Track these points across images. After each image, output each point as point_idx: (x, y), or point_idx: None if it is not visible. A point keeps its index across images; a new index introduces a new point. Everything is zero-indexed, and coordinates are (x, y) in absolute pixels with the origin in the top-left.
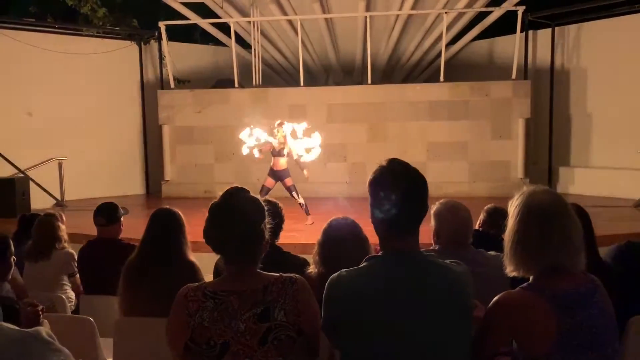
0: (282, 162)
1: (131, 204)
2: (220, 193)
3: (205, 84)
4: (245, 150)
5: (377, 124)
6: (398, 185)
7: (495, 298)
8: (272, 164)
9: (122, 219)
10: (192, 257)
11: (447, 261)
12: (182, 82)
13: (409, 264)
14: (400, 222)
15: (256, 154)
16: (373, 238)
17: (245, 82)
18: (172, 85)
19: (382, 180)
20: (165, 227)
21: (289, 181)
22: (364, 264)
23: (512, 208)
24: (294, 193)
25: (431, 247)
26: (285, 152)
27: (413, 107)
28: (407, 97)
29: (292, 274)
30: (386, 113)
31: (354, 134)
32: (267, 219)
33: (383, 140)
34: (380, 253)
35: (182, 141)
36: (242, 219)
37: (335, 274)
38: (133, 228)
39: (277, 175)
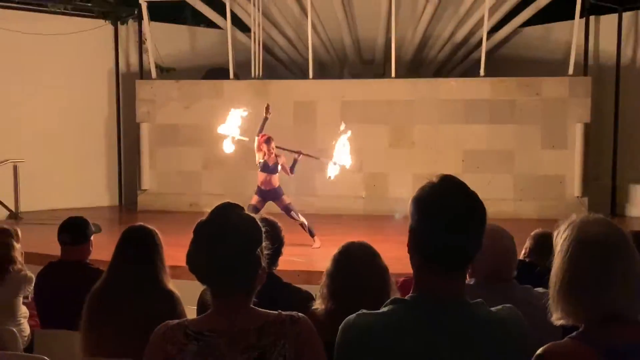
0: (274, 180)
1: (100, 218)
2: (209, 209)
3: (194, 74)
4: (228, 147)
5: (401, 126)
6: (452, 210)
7: (539, 351)
8: (259, 182)
9: (92, 237)
10: (172, 285)
11: (498, 308)
12: (166, 71)
13: (452, 316)
14: (449, 257)
15: (252, 142)
16: (396, 266)
17: (243, 73)
18: (154, 74)
19: (432, 201)
20: (138, 248)
21: (284, 199)
22: (390, 307)
23: (560, 240)
24: (292, 213)
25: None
26: (279, 167)
27: (446, 106)
28: (438, 94)
29: (293, 312)
30: (413, 113)
31: (373, 137)
32: (264, 243)
33: (408, 146)
34: (412, 295)
35: (164, 143)
36: (234, 243)
37: (352, 315)
38: (102, 248)
39: (267, 195)
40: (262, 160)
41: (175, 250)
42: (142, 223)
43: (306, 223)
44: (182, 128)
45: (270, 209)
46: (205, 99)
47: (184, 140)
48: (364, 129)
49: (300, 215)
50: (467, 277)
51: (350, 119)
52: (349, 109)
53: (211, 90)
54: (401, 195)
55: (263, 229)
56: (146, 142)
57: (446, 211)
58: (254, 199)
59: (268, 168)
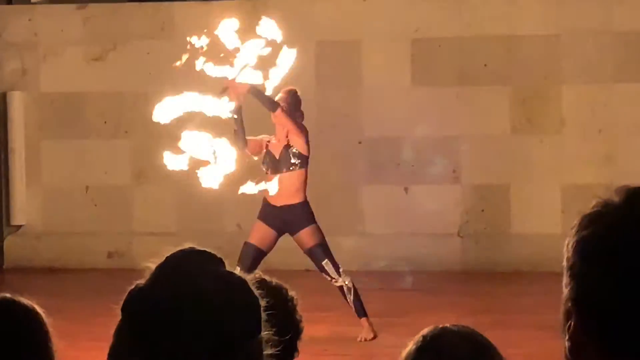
0: (290, 186)
1: None
2: (151, 263)
3: None
4: (176, 163)
5: (534, 90)
6: None
7: None
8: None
9: None
10: None
11: None
12: None
13: None
14: None
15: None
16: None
17: None
18: None
19: (619, 242)
20: (8, 344)
21: (312, 234)
22: None
23: None
24: (326, 263)
25: None
26: (296, 159)
27: (629, 47)
28: (613, 22)
29: None
30: (558, 63)
31: (479, 113)
32: (263, 333)
33: (550, 129)
34: None
35: (56, 131)
36: (202, 333)
37: None
38: None
39: (280, 218)
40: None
41: (80, 351)
42: (10, 295)
43: (352, 286)
44: (92, 101)
45: (276, 258)
46: (138, 41)
47: (95, 126)
48: (459, 95)
49: (342, 272)
50: None
51: (429, 75)
52: (427, 54)
53: (150, 22)
54: (538, 229)
55: (262, 304)
56: (20, 129)
57: None
58: (255, 233)
59: (274, 160)
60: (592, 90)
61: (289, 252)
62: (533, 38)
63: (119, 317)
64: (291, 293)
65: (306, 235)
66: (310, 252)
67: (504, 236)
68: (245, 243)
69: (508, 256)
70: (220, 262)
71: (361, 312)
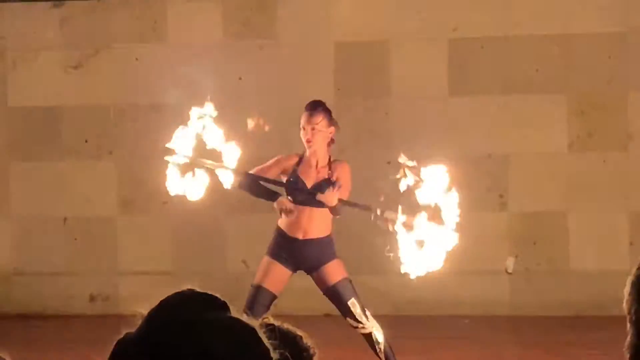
0: (323, 219)
1: None
2: (143, 309)
3: None
4: (175, 188)
5: (595, 99)
6: None
7: None
8: (284, 225)
9: None
10: None
11: None
12: None
13: None
14: None
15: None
16: None
17: None
18: None
19: None
20: None
21: (338, 268)
22: None
23: None
24: (352, 303)
25: None
26: (333, 198)
27: None
28: None
29: None
30: (626, 66)
31: (530, 127)
32: None
33: (615, 145)
34: None
35: (28, 152)
36: None
37: None
38: None
39: (301, 254)
40: (291, 178)
41: None
42: None
43: (380, 339)
44: (70, 116)
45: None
46: (124, 44)
47: (75, 146)
48: (509, 105)
49: (368, 314)
50: None
51: (473, 81)
52: (462, 55)
53: (139, 22)
54: (602, 265)
55: (274, 357)
56: None
57: None
58: (269, 274)
59: (307, 191)
60: None
61: (303, 293)
62: (594, 37)
63: None
64: (307, 342)
65: (332, 269)
66: (334, 290)
67: (561, 273)
68: (257, 287)
69: (566, 297)
70: (224, 307)
71: None
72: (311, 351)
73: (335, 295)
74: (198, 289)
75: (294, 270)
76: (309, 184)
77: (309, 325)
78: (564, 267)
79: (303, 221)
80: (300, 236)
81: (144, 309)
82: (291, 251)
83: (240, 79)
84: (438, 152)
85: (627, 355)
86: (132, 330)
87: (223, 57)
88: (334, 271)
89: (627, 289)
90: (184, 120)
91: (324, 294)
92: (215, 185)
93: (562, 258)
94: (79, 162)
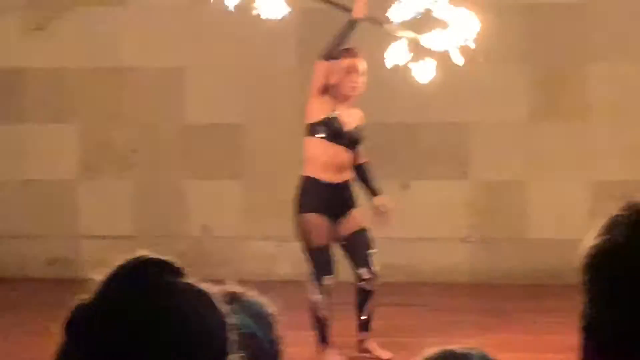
0: (350, 163)
1: None
2: (101, 274)
3: None
4: None
5: (556, 69)
6: None
7: None
8: (317, 172)
9: None
10: None
11: None
12: None
13: None
14: None
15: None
16: None
17: None
18: None
19: (621, 255)
20: None
21: (362, 213)
22: None
23: None
24: (374, 252)
25: None
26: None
27: None
28: None
29: None
30: (585, 37)
31: (491, 96)
32: (234, 356)
33: (575, 115)
34: None
35: None
36: (163, 355)
37: None
38: None
39: (340, 199)
40: (331, 117)
41: None
42: None
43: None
44: (30, 79)
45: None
46: (88, 7)
47: (35, 109)
48: (458, 71)
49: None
50: None
51: (430, 49)
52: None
53: None
54: (561, 235)
55: (231, 322)
56: None
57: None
58: (322, 230)
59: (344, 135)
60: (624, 68)
61: (268, 259)
62: (555, 7)
63: (61, 339)
64: (269, 308)
65: (360, 214)
66: (361, 235)
67: (520, 242)
68: (324, 248)
69: (525, 266)
70: (179, 272)
71: (363, 327)
72: (272, 318)
73: (360, 241)
74: (153, 254)
75: (333, 218)
76: (347, 123)
77: (269, 290)
78: (523, 235)
79: (342, 166)
80: (340, 180)
81: (103, 274)
82: (332, 198)
83: (201, 42)
84: (400, 119)
85: (580, 324)
86: (87, 295)
87: (186, 20)
88: (362, 216)
89: (583, 258)
90: (146, 83)
91: (342, 242)
92: (178, 149)
93: (522, 227)
94: (40, 125)
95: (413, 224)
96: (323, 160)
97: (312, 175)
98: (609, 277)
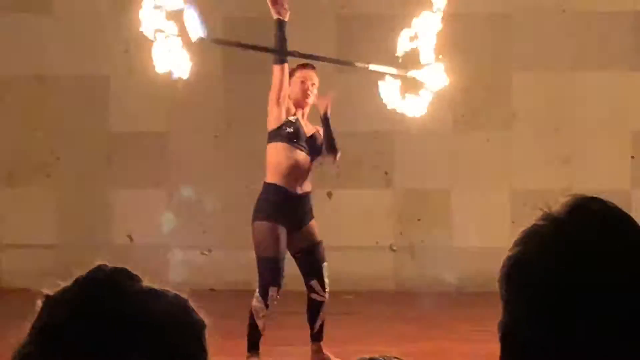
0: (311, 174)
1: None
2: (45, 291)
3: None
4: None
5: (482, 77)
6: (603, 263)
7: None
8: (279, 179)
9: None
10: None
11: None
12: None
13: None
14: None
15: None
16: None
17: None
18: None
19: (550, 266)
20: None
21: (319, 237)
22: None
23: None
24: (325, 266)
25: None
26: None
27: (589, 29)
28: (571, 0)
29: None
30: (509, 46)
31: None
32: None
33: (497, 123)
34: None
35: None
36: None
37: None
38: None
39: (301, 210)
40: (290, 120)
41: None
42: None
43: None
44: None
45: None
46: (8, 13)
47: None
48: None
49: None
50: None
51: (355, 57)
52: (354, 33)
53: None
54: (483, 243)
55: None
56: None
57: (592, 265)
58: (279, 239)
59: (303, 138)
60: (548, 79)
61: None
62: (479, 16)
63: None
64: (195, 310)
65: (316, 227)
66: (315, 249)
67: (444, 250)
68: (275, 259)
69: (449, 273)
70: (139, 280)
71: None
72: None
73: (313, 254)
74: (111, 264)
75: (289, 229)
76: (307, 133)
77: (195, 299)
78: (446, 243)
79: (304, 174)
80: (299, 191)
81: (29, 285)
82: (291, 209)
83: (126, 51)
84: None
85: (499, 333)
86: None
87: (110, 28)
88: (317, 230)
89: (501, 268)
90: (68, 92)
91: (296, 253)
92: (102, 157)
93: (445, 235)
94: None
95: (338, 233)
96: (285, 166)
97: (273, 182)
98: (524, 288)
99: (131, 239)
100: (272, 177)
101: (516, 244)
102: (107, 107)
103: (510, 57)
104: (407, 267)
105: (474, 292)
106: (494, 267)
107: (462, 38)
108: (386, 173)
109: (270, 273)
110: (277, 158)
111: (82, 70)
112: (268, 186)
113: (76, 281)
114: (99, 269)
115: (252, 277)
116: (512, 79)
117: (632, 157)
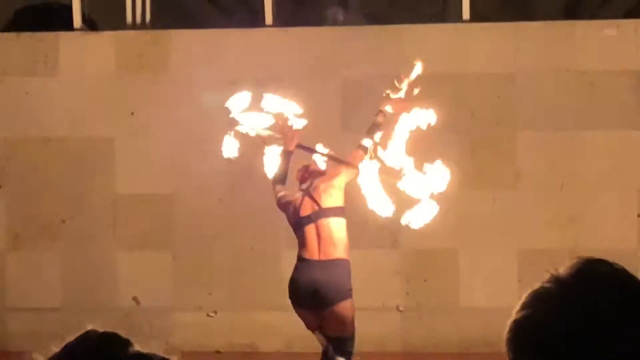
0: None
1: None
2: (40, 356)
3: None
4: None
5: (488, 137)
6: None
7: None
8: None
9: None
10: None
11: None
12: None
13: None
14: None
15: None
16: None
17: (105, 16)
18: None
19: (555, 331)
20: None
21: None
22: None
23: None
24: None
25: None
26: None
27: (592, 88)
28: (571, 59)
29: None
30: (514, 105)
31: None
32: None
33: (504, 184)
34: None
35: None
36: None
37: None
38: None
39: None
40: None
41: None
42: None
43: None
44: None
45: None
46: (15, 78)
47: None
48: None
49: None
50: None
51: (360, 119)
52: (355, 91)
53: (30, 56)
54: (491, 303)
55: None
56: None
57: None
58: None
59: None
60: (552, 138)
61: (199, 330)
62: (483, 77)
63: None
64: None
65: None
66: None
67: (451, 310)
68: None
69: (456, 334)
70: (129, 344)
71: None
72: None
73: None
74: (101, 329)
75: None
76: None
77: None
78: (454, 303)
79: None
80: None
81: (34, 348)
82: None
83: (132, 114)
84: None
85: None
86: None
87: (116, 91)
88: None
89: (506, 329)
90: (76, 153)
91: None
92: (107, 219)
93: (453, 295)
94: None
95: None
96: (347, 242)
97: (347, 258)
98: (532, 350)
99: (137, 302)
100: (345, 252)
101: (523, 306)
102: (112, 169)
103: (515, 117)
104: (414, 327)
105: (481, 353)
106: (501, 327)
107: (466, 98)
108: (393, 233)
109: (352, 348)
110: (345, 234)
111: (87, 132)
112: (347, 262)
113: (65, 347)
114: (88, 334)
115: (258, 339)
116: (517, 138)
117: (639, 215)
